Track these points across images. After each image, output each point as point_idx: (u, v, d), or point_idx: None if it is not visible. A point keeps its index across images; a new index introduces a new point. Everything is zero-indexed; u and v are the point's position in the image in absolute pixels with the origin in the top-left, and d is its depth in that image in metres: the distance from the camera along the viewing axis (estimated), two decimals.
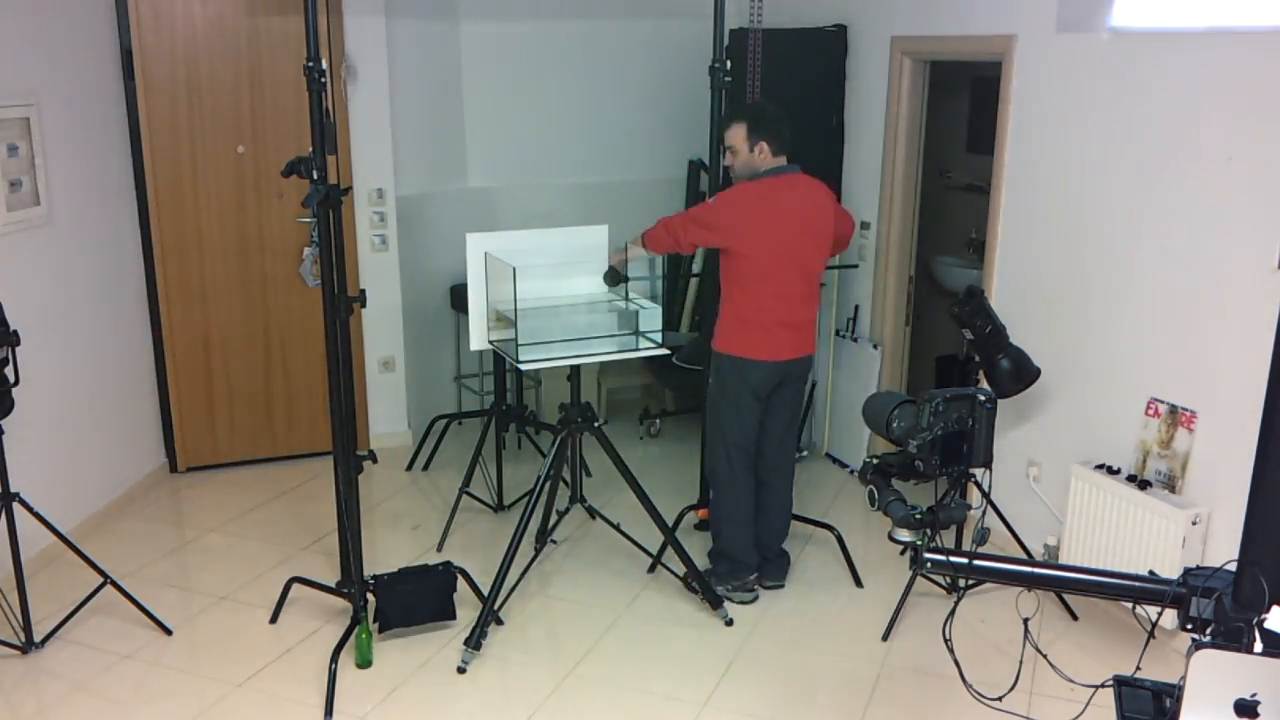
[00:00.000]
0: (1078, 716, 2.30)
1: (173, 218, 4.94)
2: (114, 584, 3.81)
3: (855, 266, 5.15)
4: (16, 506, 3.53)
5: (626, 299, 3.91)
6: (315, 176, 3.24)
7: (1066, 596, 3.94)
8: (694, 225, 3.81)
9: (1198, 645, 1.66)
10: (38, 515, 3.60)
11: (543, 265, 3.79)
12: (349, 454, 3.56)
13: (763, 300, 3.78)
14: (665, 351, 3.84)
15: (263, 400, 5.29)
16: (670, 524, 4.16)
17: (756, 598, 4.05)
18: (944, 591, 4.10)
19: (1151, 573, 2.17)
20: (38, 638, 3.65)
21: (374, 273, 5.32)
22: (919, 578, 4.02)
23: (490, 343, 3.81)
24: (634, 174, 6.13)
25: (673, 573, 4.18)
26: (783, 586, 4.16)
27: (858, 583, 4.23)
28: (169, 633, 3.79)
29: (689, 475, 4.96)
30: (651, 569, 4.24)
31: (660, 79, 6.01)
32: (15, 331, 3.38)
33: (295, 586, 3.95)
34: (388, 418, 5.57)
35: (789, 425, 4.08)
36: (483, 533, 4.62)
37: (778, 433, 4.04)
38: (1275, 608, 1.62)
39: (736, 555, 4.03)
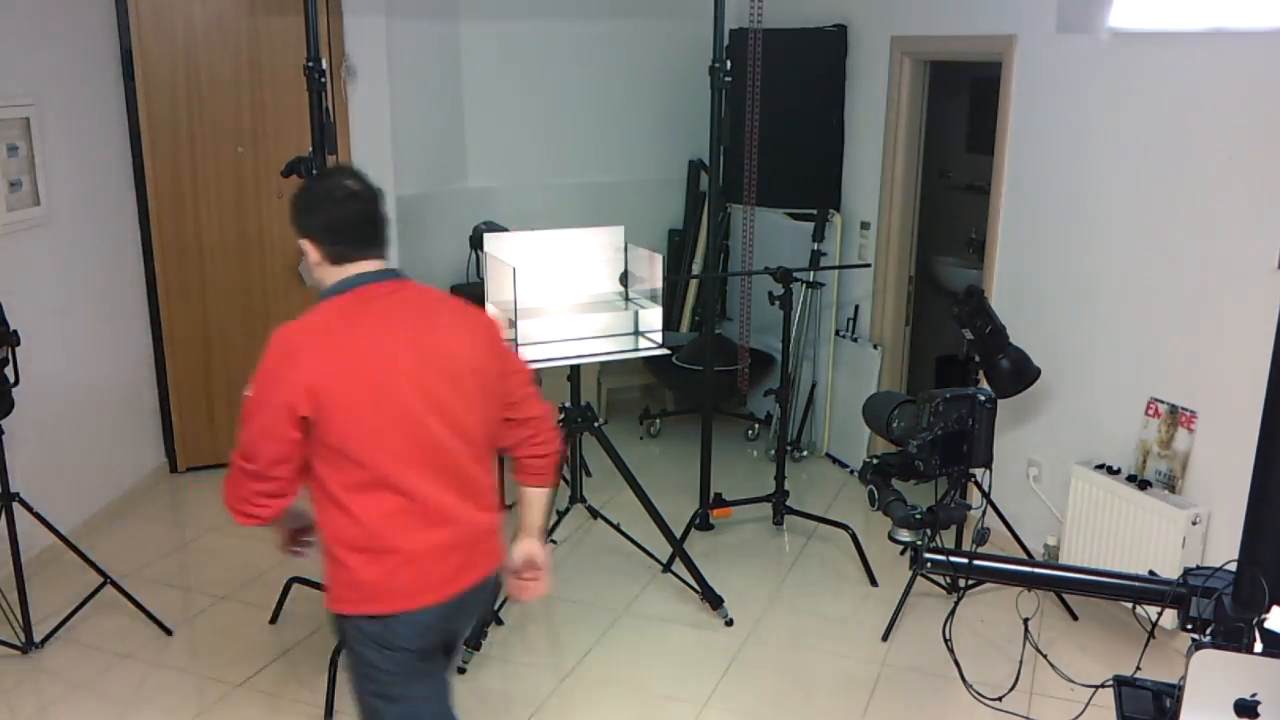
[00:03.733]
0: (1078, 716, 2.30)
1: (173, 218, 4.94)
2: (114, 584, 3.82)
3: (868, 265, 5.14)
4: (16, 506, 3.53)
5: (627, 299, 3.91)
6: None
7: (1066, 596, 3.94)
8: (247, 429, 2.19)
9: (1198, 645, 1.65)
10: (38, 515, 3.60)
11: (545, 265, 3.79)
12: None
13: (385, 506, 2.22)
14: (665, 351, 3.84)
15: None
16: (674, 524, 4.16)
17: None
18: (944, 591, 4.10)
19: (1151, 573, 2.17)
20: (38, 638, 3.65)
21: None
22: (919, 578, 4.03)
23: None
24: (634, 174, 6.13)
25: (679, 578, 4.18)
26: None
27: (873, 581, 4.23)
28: (169, 633, 3.79)
29: (689, 475, 4.96)
30: (665, 569, 4.24)
31: (660, 79, 6.01)
32: (15, 331, 3.38)
33: (295, 586, 3.95)
34: None
35: None
36: None
37: None
38: (1275, 608, 1.62)
39: None
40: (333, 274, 2.33)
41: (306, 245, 2.35)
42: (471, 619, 2.57)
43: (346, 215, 2.33)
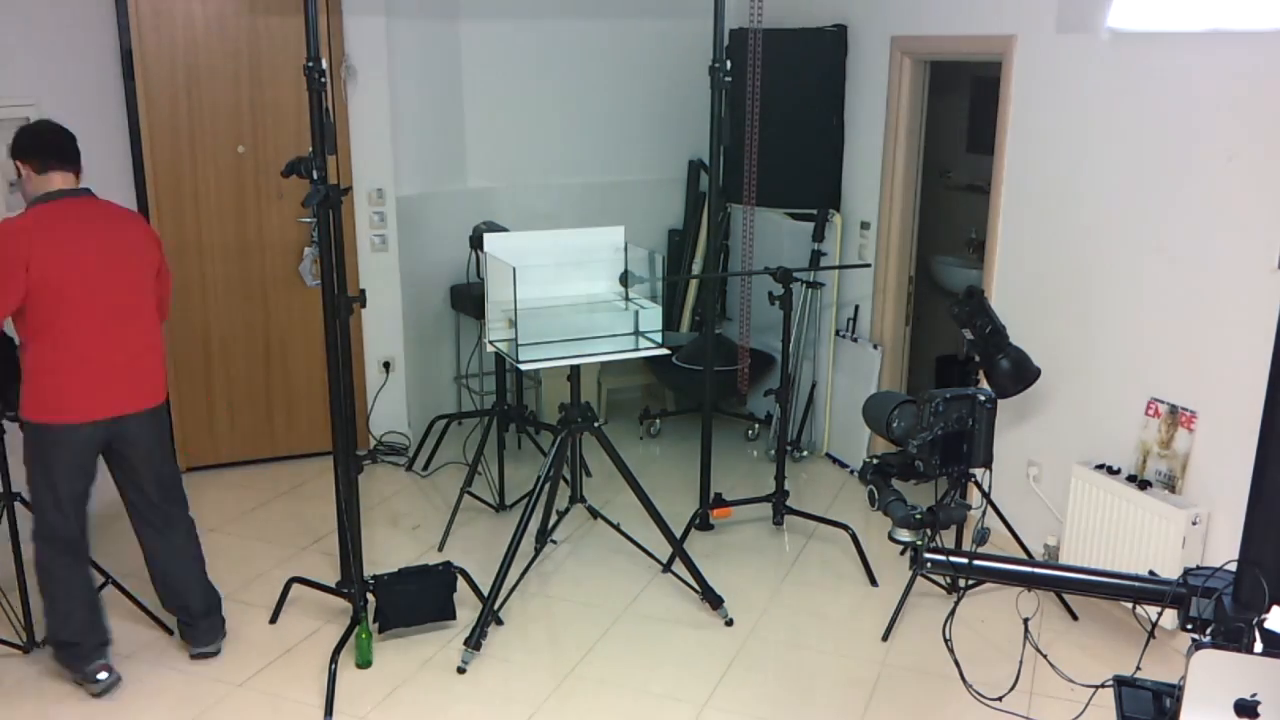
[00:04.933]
0: (1078, 716, 2.30)
1: (173, 218, 4.94)
2: (115, 584, 3.82)
3: (868, 266, 5.14)
4: (17, 506, 3.53)
5: (627, 299, 3.91)
6: (315, 176, 3.25)
7: (1066, 596, 3.94)
8: None
9: (1198, 645, 1.66)
10: None
11: (545, 265, 3.79)
12: (349, 454, 3.56)
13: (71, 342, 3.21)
14: (665, 351, 3.84)
15: (263, 400, 5.29)
16: (674, 524, 4.16)
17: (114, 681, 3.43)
18: (944, 591, 4.11)
19: (1151, 573, 2.17)
20: (38, 638, 3.65)
21: (374, 273, 5.31)
22: (919, 578, 4.03)
23: (491, 343, 3.81)
24: (634, 174, 6.13)
25: (679, 578, 4.18)
26: (215, 652, 3.62)
27: (872, 581, 4.23)
28: (169, 633, 3.79)
29: (689, 475, 4.96)
30: (665, 569, 4.24)
31: (660, 79, 6.02)
32: None
33: (295, 586, 3.95)
34: (389, 417, 5.56)
35: None
36: (483, 533, 4.62)
37: None
38: (1275, 608, 1.63)
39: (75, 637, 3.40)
40: (40, 184, 3.25)
41: (19, 165, 3.25)
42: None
43: (44, 135, 3.28)
